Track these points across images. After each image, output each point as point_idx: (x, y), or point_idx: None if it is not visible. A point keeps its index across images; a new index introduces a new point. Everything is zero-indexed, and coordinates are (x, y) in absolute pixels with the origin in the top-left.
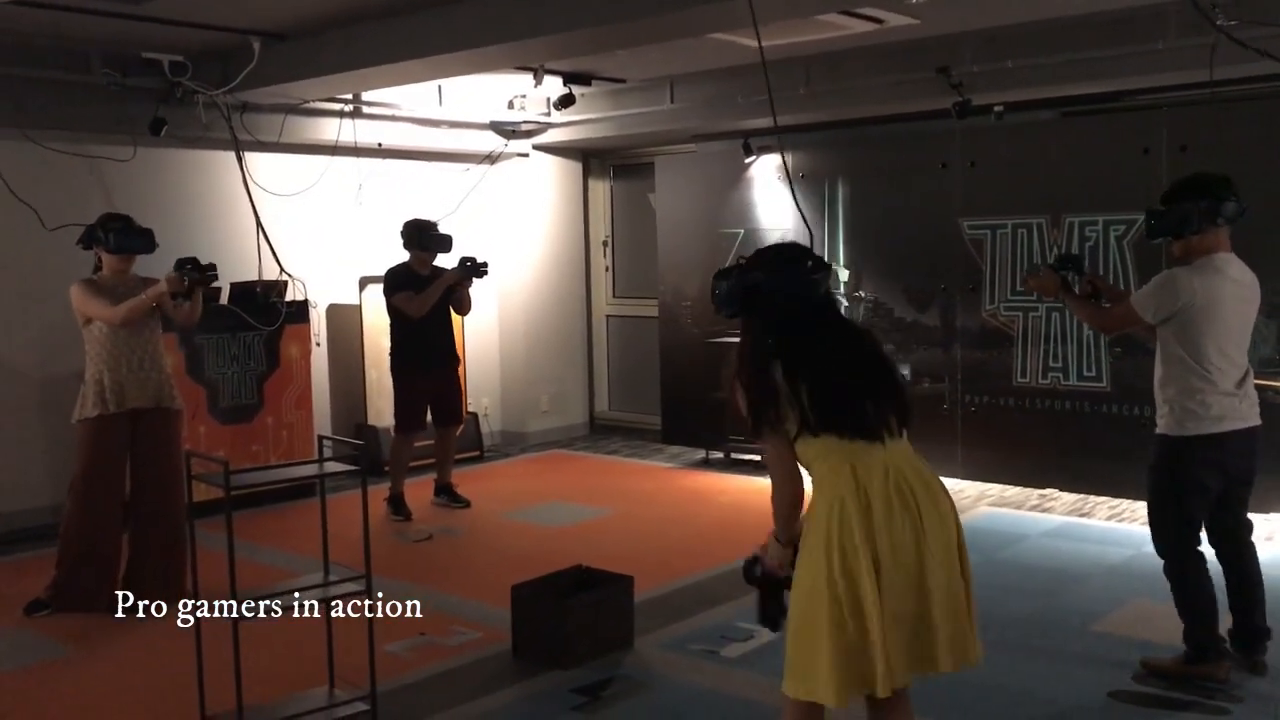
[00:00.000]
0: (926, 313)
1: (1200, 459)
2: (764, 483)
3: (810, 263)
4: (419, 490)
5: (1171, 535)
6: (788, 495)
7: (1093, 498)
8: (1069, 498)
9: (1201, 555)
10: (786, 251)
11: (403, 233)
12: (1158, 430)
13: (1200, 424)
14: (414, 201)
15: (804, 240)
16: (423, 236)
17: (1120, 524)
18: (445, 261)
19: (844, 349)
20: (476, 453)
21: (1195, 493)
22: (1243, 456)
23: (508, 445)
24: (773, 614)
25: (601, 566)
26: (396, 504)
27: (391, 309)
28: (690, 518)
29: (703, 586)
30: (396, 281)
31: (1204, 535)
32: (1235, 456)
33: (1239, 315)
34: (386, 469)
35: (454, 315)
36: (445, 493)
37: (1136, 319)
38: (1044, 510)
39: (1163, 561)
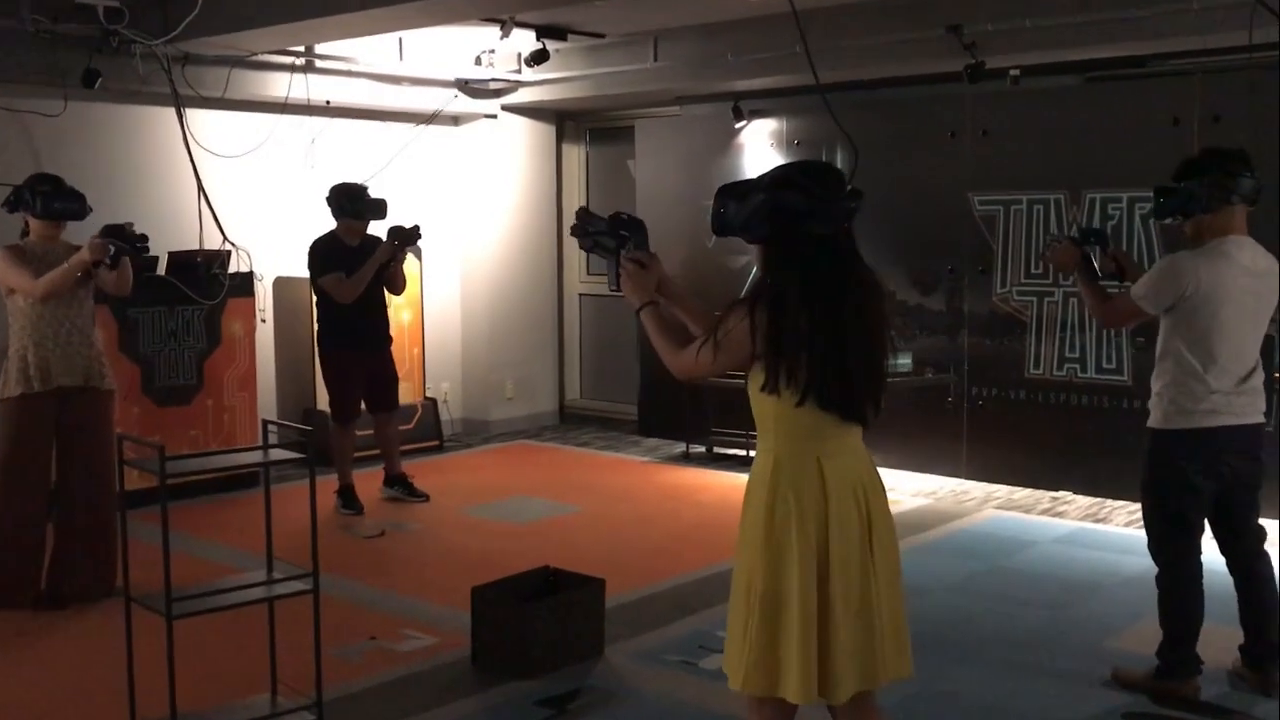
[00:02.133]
0: (931, 297)
1: (1187, 456)
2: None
3: (850, 188)
4: (367, 482)
5: (1158, 537)
6: (688, 370)
7: (1110, 502)
8: (1083, 501)
9: (1194, 565)
10: (823, 172)
11: (329, 199)
12: (1147, 424)
13: (1188, 418)
14: (371, 165)
15: None
16: (353, 203)
17: (1139, 530)
18: (378, 230)
19: (863, 315)
20: (435, 442)
21: (1183, 492)
22: (1241, 457)
23: (469, 435)
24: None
25: (570, 568)
26: (347, 497)
27: (318, 290)
28: (668, 517)
29: (680, 592)
30: (324, 259)
31: (1213, 546)
32: (1231, 456)
33: (1247, 307)
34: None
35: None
36: (399, 484)
37: (1136, 311)
38: (1056, 515)
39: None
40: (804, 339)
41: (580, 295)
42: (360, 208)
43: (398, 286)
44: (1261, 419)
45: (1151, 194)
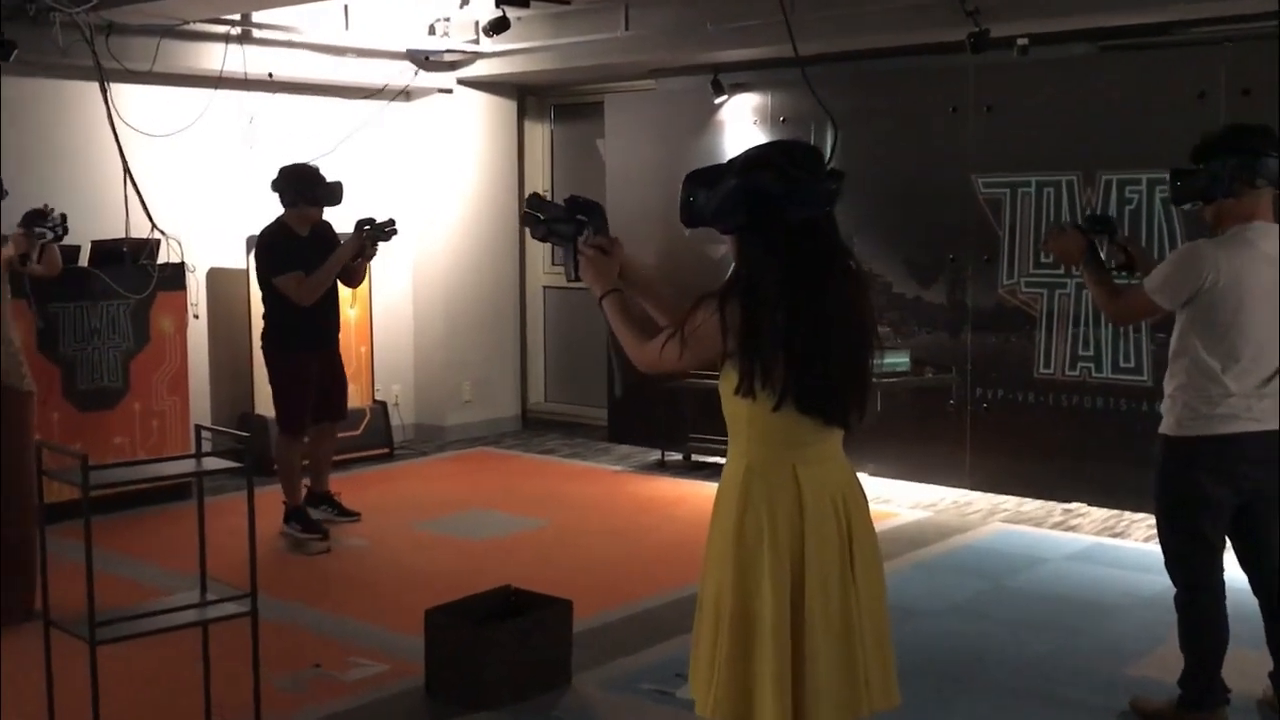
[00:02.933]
0: (931, 289)
1: (1203, 465)
2: None
3: (830, 168)
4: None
5: (1174, 555)
6: (652, 364)
7: (1128, 514)
8: (1099, 514)
9: (1215, 584)
10: (800, 152)
11: (278, 183)
12: (1159, 429)
13: (1204, 423)
14: (315, 145)
15: None
16: (308, 188)
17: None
18: (334, 219)
19: (847, 310)
20: (385, 450)
21: (1199, 505)
22: (1262, 466)
23: (422, 442)
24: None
25: (534, 588)
26: (304, 520)
27: (271, 288)
28: (641, 532)
29: (655, 614)
30: (277, 255)
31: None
32: (1251, 465)
33: (1273, 300)
34: (276, 474)
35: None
36: (327, 503)
37: (1150, 306)
38: (1069, 529)
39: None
40: (781, 336)
41: (545, 288)
42: (315, 193)
43: (356, 279)
44: None
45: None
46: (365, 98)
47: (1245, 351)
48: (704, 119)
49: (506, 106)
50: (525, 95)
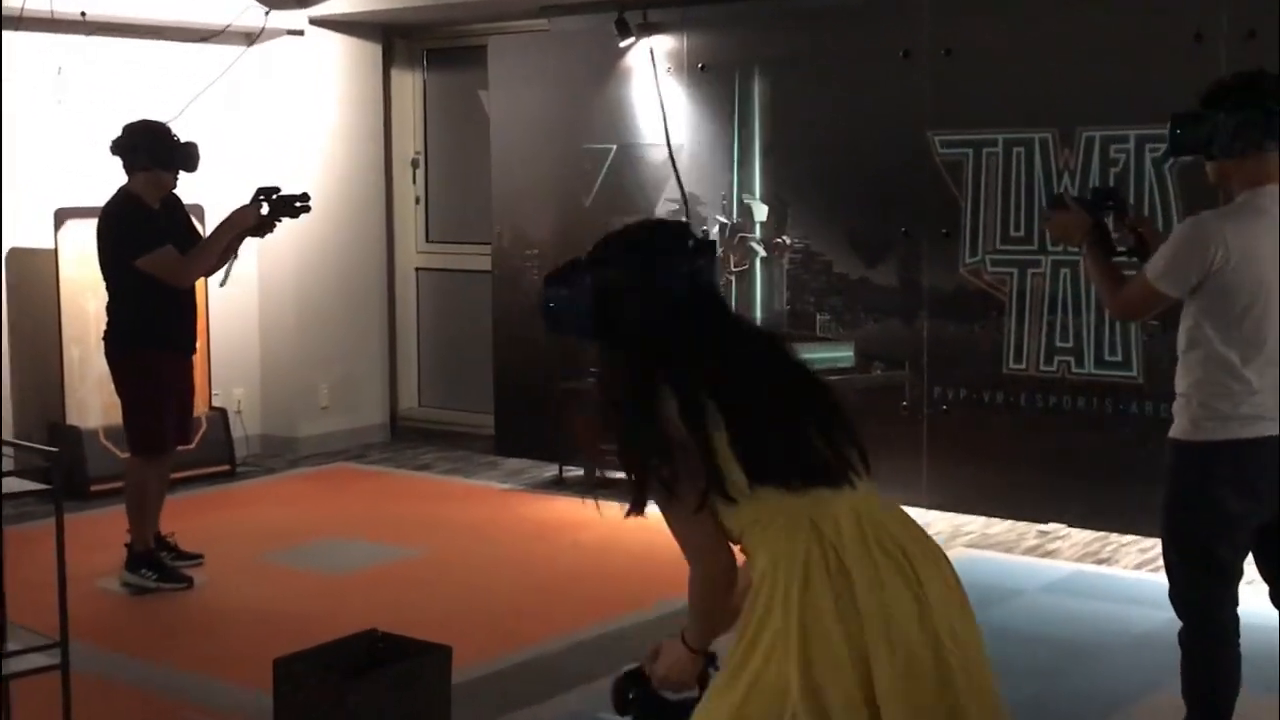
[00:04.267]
0: (879, 268)
1: (1223, 475)
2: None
3: (692, 244)
4: (98, 530)
5: (1182, 583)
6: (710, 572)
7: (1115, 537)
8: (1081, 536)
9: (1228, 619)
10: (649, 237)
11: (122, 144)
12: (1170, 434)
13: (1223, 426)
14: (138, 100)
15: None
16: (161, 149)
17: (1154, 574)
18: (192, 188)
19: (764, 360)
20: (225, 467)
21: (1216, 523)
22: None
23: (270, 456)
24: None
25: (406, 631)
26: (158, 565)
27: (128, 273)
28: (535, 563)
29: (551, 662)
30: (134, 230)
31: (1251, 594)
32: (1275, 474)
33: None
34: (123, 501)
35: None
36: (160, 546)
37: (1155, 296)
38: (1046, 554)
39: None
40: (693, 429)
41: (418, 270)
42: (171, 155)
43: (222, 261)
44: None
45: (1167, 131)
46: (198, 40)
47: (1269, 338)
48: (607, 66)
49: (369, 51)
50: (392, 38)
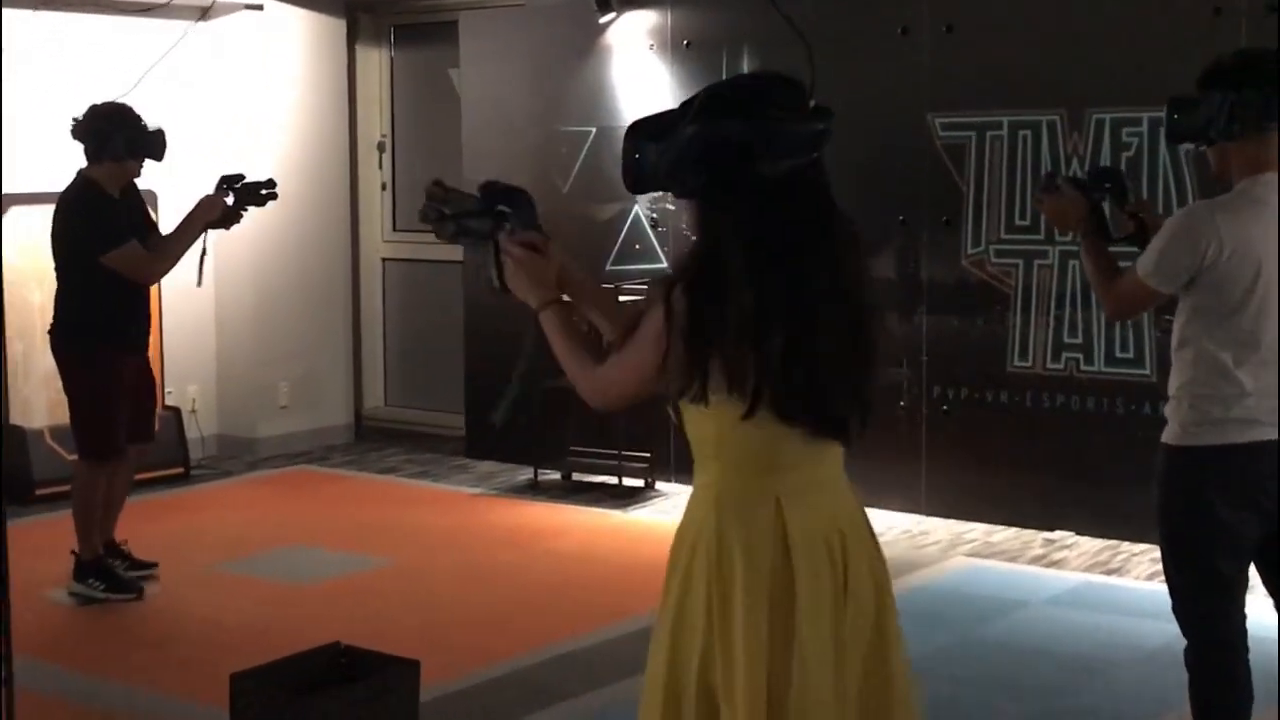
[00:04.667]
0: (876, 257)
1: (1214, 482)
2: (623, 519)
3: (814, 105)
4: (44, 535)
5: (1183, 596)
6: (595, 398)
7: (1126, 546)
8: (1090, 545)
9: (1232, 632)
10: (773, 87)
11: (86, 129)
12: (1162, 438)
13: (1215, 430)
14: (79, 79)
15: None
16: (129, 134)
17: (1165, 585)
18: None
19: (842, 284)
20: (178, 469)
21: (1212, 534)
22: None
23: (227, 458)
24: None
25: (371, 645)
26: (109, 575)
27: (86, 267)
28: (508, 573)
29: (527, 676)
30: (100, 222)
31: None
32: (1273, 481)
33: None
34: (70, 510)
35: None
36: (114, 554)
37: (1147, 293)
38: (1052, 564)
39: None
40: (749, 328)
41: (384, 260)
42: (137, 142)
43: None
44: None
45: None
46: (141, 13)
47: (1264, 338)
48: (586, 44)
49: (333, 28)
50: (356, 13)
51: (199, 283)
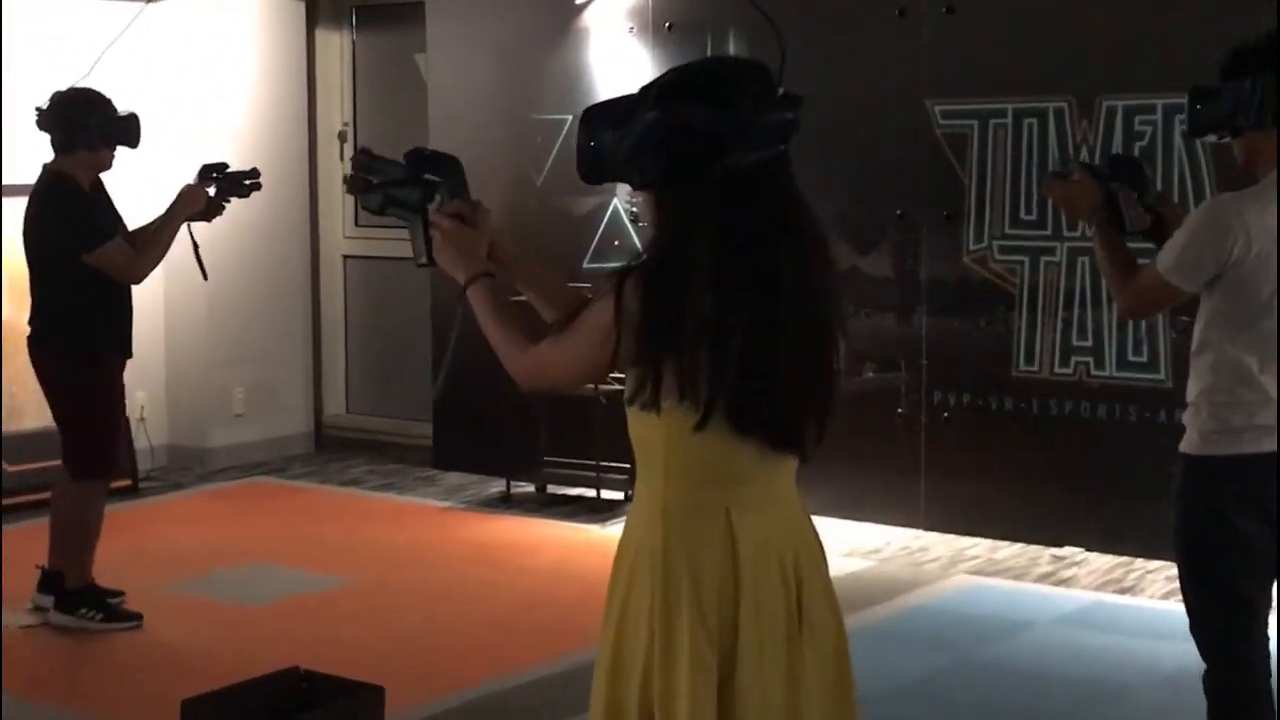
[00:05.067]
0: (871, 256)
1: (1234, 494)
2: (601, 534)
3: (782, 92)
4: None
5: (1199, 616)
6: (528, 356)
7: (1140, 563)
8: (1101, 562)
9: (1255, 656)
10: (741, 72)
11: (54, 118)
12: (1180, 447)
13: (1235, 439)
14: (21, 62)
15: None
16: (103, 122)
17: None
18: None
19: (805, 288)
20: (126, 482)
21: (1231, 549)
22: None
23: (178, 470)
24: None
25: (333, 670)
26: (101, 603)
27: (68, 266)
28: (479, 592)
29: (496, 705)
30: (80, 218)
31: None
32: None
33: None
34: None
35: None
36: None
37: (1168, 291)
38: (1060, 582)
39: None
40: (707, 331)
41: (346, 258)
42: (112, 131)
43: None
44: None
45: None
46: None
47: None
48: (561, 26)
49: (291, 10)
50: None
51: (204, 277)
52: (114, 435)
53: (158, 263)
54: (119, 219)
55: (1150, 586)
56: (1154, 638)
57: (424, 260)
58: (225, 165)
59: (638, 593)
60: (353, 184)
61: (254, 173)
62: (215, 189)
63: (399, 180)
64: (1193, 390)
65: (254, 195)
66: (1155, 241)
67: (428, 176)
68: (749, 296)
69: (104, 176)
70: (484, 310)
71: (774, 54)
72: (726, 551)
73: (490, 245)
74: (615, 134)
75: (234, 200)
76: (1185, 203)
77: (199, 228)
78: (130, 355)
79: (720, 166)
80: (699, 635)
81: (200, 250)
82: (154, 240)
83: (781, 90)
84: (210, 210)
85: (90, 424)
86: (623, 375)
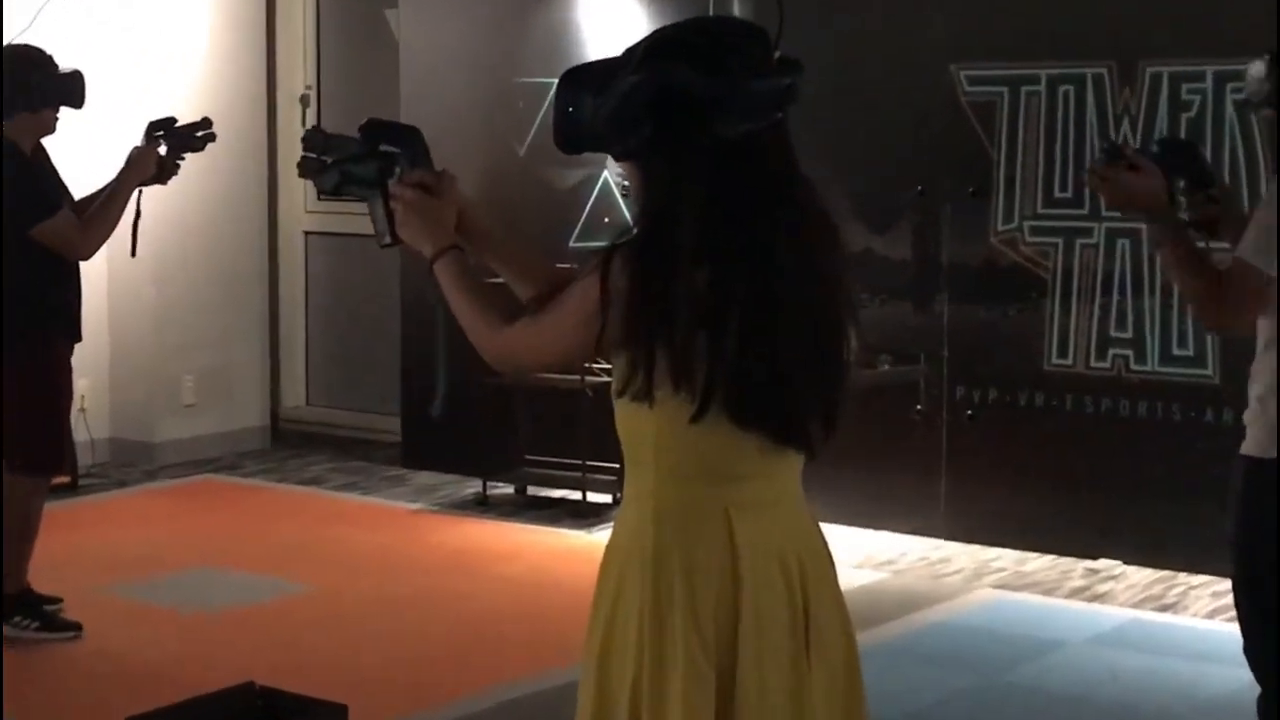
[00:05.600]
0: (889, 236)
1: None
2: (585, 540)
3: (778, 56)
4: None
5: (1258, 635)
6: (501, 335)
7: (1183, 577)
8: (1140, 576)
9: None
10: (734, 33)
11: None
12: (1241, 449)
13: None
14: None
15: None
16: (48, 81)
17: (1230, 624)
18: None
19: (808, 267)
20: (65, 479)
21: None
22: None
23: (122, 466)
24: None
25: (290, 685)
26: (32, 608)
27: (16, 243)
28: (452, 602)
29: None
30: (27, 189)
31: None
32: None
33: None
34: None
35: None
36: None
37: (1260, 286)
38: (1095, 598)
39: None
40: (702, 310)
41: (307, 234)
42: (55, 89)
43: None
44: None
45: (1261, 71)
46: None
47: None
48: None
49: None
50: None
51: (133, 252)
52: (65, 425)
53: (107, 236)
54: (65, 189)
55: (1194, 604)
56: (1197, 660)
57: (388, 240)
58: (173, 120)
59: (625, 602)
60: (305, 167)
61: (205, 123)
62: (165, 147)
63: (354, 155)
64: (1259, 388)
65: (207, 168)
66: (1203, 235)
67: (385, 148)
68: (745, 268)
69: (46, 141)
70: (453, 285)
71: (770, 18)
72: (725, 554)
73: (460, 216)
74: (596, 100)
75: (188, 158)
76: (1236, 184)
77: (149, 196)
78: (79, 339)
79: (710, 135)
80: (693, 642)
81: (142, 222)
82: (102, 211)
83: (779, 54)
84: (164, 172)
85: (40, 413)
86: (610, 366)
